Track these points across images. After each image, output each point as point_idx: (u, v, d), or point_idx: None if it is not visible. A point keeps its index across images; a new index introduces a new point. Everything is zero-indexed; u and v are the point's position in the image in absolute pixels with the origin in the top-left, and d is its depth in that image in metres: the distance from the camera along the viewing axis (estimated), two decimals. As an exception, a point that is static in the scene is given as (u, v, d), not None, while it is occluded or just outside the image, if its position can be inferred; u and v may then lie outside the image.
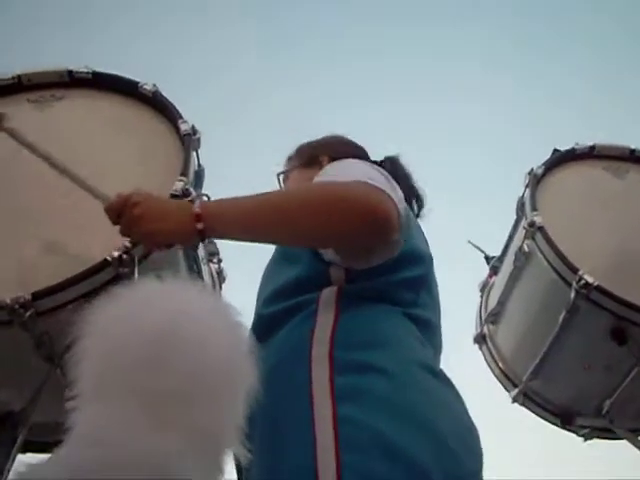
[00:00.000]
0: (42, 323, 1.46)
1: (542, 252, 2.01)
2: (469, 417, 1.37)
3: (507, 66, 3.98)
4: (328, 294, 1.42)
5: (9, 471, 1.60)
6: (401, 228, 1.37)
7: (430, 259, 1.55)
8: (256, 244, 1.38)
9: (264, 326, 1.46)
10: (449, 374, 1.42)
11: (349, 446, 1.19)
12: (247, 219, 1.33)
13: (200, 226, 1.29)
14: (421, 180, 1.74)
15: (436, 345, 1.53)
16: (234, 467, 1.20)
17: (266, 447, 1.24)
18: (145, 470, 0.69)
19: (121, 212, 1.33)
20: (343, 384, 1.26)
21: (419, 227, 1.61)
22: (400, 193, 1.44)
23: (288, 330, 1.40)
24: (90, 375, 0.80)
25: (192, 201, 1.49)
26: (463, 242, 2.60)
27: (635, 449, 2.11)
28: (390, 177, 1.45)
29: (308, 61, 4.03)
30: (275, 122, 3.75)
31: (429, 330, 1.49)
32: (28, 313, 1.42)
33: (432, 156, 3.90)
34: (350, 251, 1.41)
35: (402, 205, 1.40)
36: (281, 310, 1.45)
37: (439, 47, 4.00)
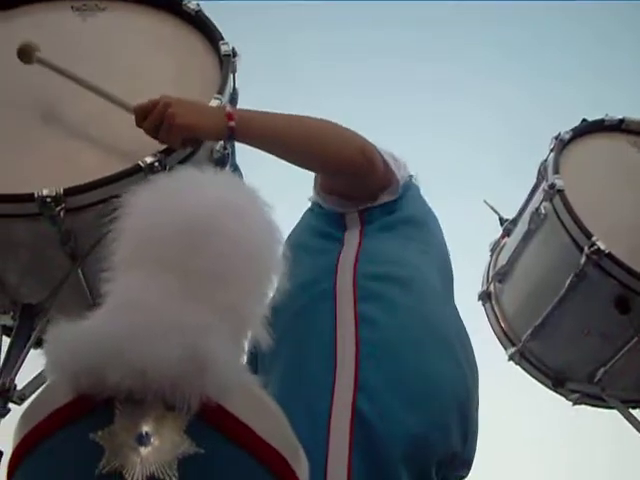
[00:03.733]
0: (70, 220, 1.50)
1: (558, 215, 2.04)
2: (470, 343, 1.46)
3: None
4: (352, 231, 1.53)
5: (22, 362, 1.67)
6: (391, 174, 1.53)
7: (434, 218, 1.67)
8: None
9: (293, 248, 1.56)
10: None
11: (368, 342, 1.28)
12: (274, 128, 1.45)
13: (232, 124, 1.38)
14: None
15: (445, 288, 1.60)
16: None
17: (290, 342, 1.32)
18: (175, 338, 0.74)
19: (152, 110, 1.40)
20: (365, 288, 1.36)
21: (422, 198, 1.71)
22: (401, 160, 1.60)
23: (317, 254, 1.48)
24: (127, 249, 0.84)
25: None
26: (479, 202, 2.63)
27: (624, 420, 2.17)
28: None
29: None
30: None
31: (440, 274, 1.56)
32: (58, 208, 1.46)
33: (455, 118, 3.91)
34: (348, 185, 1.54)
35: (404, 170, 1.58)
36: (307, 240, 1.54)
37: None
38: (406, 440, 1.22)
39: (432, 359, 1.33)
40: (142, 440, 0.73)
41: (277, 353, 1.36)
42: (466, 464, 1.41)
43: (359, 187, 1.54)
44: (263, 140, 1.46)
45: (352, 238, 1.51)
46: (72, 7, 1.95)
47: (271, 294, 0.90)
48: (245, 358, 0.90)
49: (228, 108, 1.44)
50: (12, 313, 1.72)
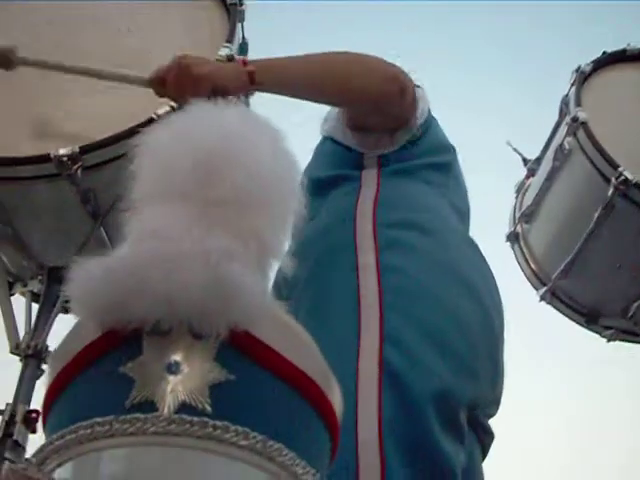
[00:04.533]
0: (88, 178, 1.50)
1: (582, 148, 1.99)
2: (496, 283, 1.43)
3: None
4: (369, 172, 1.49)
5: (52, 324, 1.68)
6: (416, 108, 1.50)
7: (454, 150, 1.61)
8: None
9: (309, 188, 1.53)
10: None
11: (392, 290, 1.26)
12: (296, 70, 1.40)
13: (251, 68, 1.33)
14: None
15: (465, 230, 1.58)
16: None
17: (312, 291, 1.31)
18: (199, 264, 0.73)
19: (167, 74, 1.34)
20: (385, 236, 1.33)
21: (441, 128, 1.66)
22: (423, 93, 1.55)
23: (335, 197, 1.46)
24: (146, 185, 0.83)
25: None
26: (502, 144, 2.59)
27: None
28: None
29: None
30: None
31: (459, 214, 1.54)
32: (75, 166, 1.46)
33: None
34: (372, 116, 1.49)
35: (424, 102, 1.53)
36: (324, 179, 1.52)
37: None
38: (436, 387, 1.21)
39: (457, 303, 1.31)
40: (172, 369, 0.72)
41: (300, 302, 1.35)
42: (495, 403, 1.40)
43: (380, 112, 1.50)
44: (286, 84, 1.40)
45: (370, 181, 1.48)
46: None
47: (295, 223, 0.88)
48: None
49: (242, 58, 1.42)
50: (40, 277, 1.74)
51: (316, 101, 1.45)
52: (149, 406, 0.70)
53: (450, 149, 1.63)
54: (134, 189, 0.85)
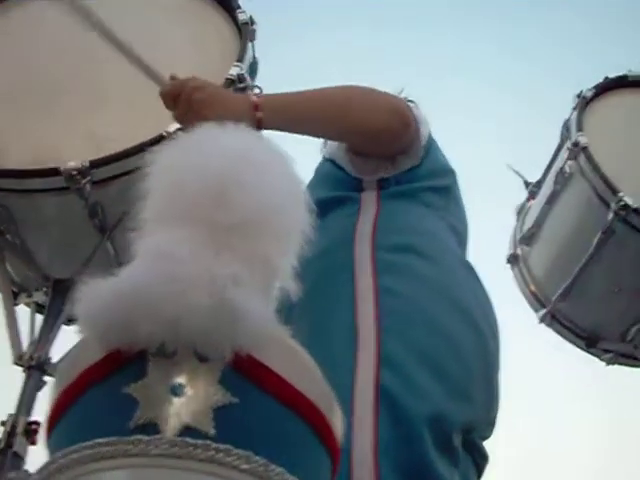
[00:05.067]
0: (97, 193, 1.52)
1: (583, 173, 2.02)
2: (492, 307, 1.45)
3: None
4: (369, 194, 1.50)
5: (55, 336, 1.70)
6: (418, 137, 1.50)
7: (455, 173, 1.63)
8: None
9: None
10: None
11: (388, 314, 1.27)
12: (302, 111, 1.41)
13: (259, 114, 1.33)
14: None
15: (463, 253, 1.60)
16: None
17: (310, 314, 1.32)
18: (205, 287, 0.74)
19: (179, 96, 1.34)
20: (383, 260, 1.34)
21: (441, 150, 1.68)
22: (422, 115, 1.56)
23: (334, 219, 1.47)
24: (154, 207, 0.85)
25: (246, 89, 1.56)
26: (503, 167, 2.61)
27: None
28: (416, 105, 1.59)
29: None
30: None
31: (457, 237, 1.55)
32: (84, 180, 1.48)
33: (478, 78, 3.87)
34: (375, 149, 1.50)
35: (425, 125, 1.54)
36: (323, 200, 1.53)
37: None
38: (431, 411, 1.22)
39: (452, 326, 1.31)
40: (176, 391, 0.73)
41: (298, 324, 1.36)
42: (490, 425, 1.41)
43: (383, 146, 1.50)
44: (294, 126, 1.41)
45: (369, 203, 1.49)
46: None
47: (301, 246, 0.90)
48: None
49: (254, 98, 1.38)
50: (45, 289, 1.75)
51: (319, 137, 1.47)
52: (152, 428, 0.72)
53: (450, 172, 1.64)
54: (144, 209, 0.87)
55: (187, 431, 0.72)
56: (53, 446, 0.80)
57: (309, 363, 0.82)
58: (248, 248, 0.80)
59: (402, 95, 1.76)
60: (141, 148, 1.49)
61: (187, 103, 1.33)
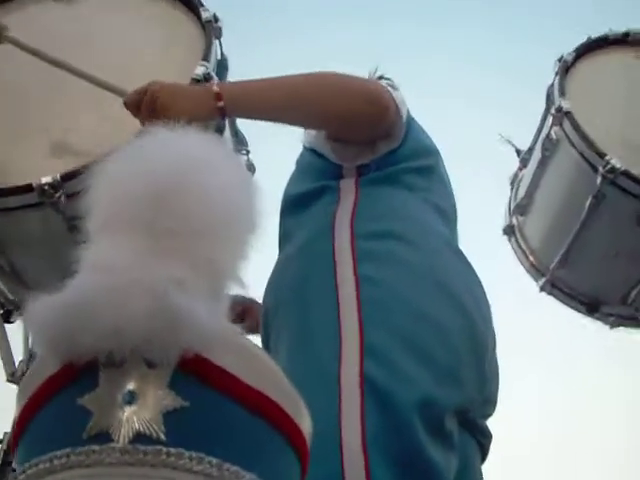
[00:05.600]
0: (73, 206, 1.52)
1: (569, 138, 1.99)
2: (482, 288, 1.42)
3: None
4: (347, 181, 1.49)
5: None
6: (399, 119, 1.48)
7: (437, 152, 1.61)
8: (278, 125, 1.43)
9: (289, 204, 1.54)
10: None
11: (370, 303, 1.27)
12: (266, 98, 1.40)
13: (221, 104, 1.34)
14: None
15: (452, 231, 1.58)
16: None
17: (293, 309, 1.32)
18: (144, 294, 0.74)
19: (140, 101, 1.36)
20: (363, 248, 1.34)
21: (422, 128, 1.65)
22: (400, 95, 1.53)
23: (313, 211, 1.47)
24: (98, 217, 0.85)
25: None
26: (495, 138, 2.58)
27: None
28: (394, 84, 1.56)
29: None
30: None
31: (444, 217, 1.54)
32: (58, 194, 1.48)
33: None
34: (355, 136, 1.49)
35: (404, 106, 1.51)
36: (303, 193, 1.52)
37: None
38: (419, 396, 1.21)
39: (436, 310, 1.30)
40: (127, 399, 0.73)
41: (284, 318, 1.36)
42: (489, 403, 1.40)
43: (363, 132, 1.50)
44: (259, 113, 1.42)
45: (348, 191, 1.47)
46: (56, -3, 1.96)
47: (251, 246, 0.89)
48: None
49: (215, 87, 1.37)
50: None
51: (291, 125, 1.46)
52: (105, 437, 0.72)
53: (432, 151, 1.62)
54: (89, 220, 0.87)
55: (139, 438, 0.71)
56: (19, 462, 0.81)
57: (264, 360, 0.82)
58: (192, 251, 0.80)
59: (377, 73, 1.75)
60: (111, 156, 1.49)
61: (149, 108, 1.34)
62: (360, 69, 1.56)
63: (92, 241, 0.83)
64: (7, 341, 1.69)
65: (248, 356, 0.81)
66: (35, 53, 1.57)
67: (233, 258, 0.86)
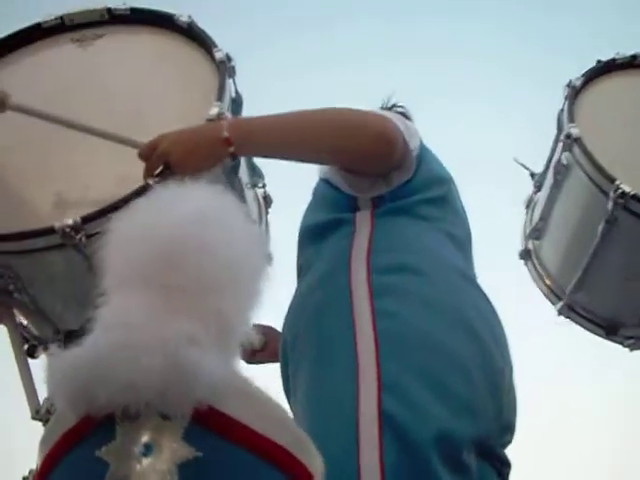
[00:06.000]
0: (92, 246, 1.56)
1: (579, 164, 2.00)
2: (496, 316, 1.44)
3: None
4: (363, 214, 1.52)
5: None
6: (409, 152, 1.51)
7: (450, 180, 1.63)
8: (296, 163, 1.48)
9: (307, 234, 1.57)
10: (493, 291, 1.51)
11: (387, 337, 1.29)
12: (275, 137, 1.44)
13: (231, 149, 1.38)
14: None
15: (466, 259, 1.60)
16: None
17: (311, 342, 1.34)
18: (157, 350, 0.78)
19: (149, 158, 1.42)
20: (380, 282, 1.36)
21: (436, 157, 1.69)
22: (412, 126, 1.58)
23: (330, 243, 1.50)
24: (114, 276, 0.89)
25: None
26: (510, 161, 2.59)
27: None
28: (402, 116, 1.61)
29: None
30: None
31: (458, 245, 1.56)
32: (79, 236, 1.52)
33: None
34: (365, 170, 1.52)
35: (415, 137, 1.55)
36: (320, 225, 1.56)
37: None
38: (436, 430, 1.22)
39: (452, 342, 1.32)
40: (143, 451, 0.77)
41: (302, 351, 1.39)
42: (507, 432, 1.41)
43: (371, 168, 1.53)
44: (268, 152, 1.46)
45: (363, 224, 1.50)
46: (71, 39, 2.02)
47: (260, 298, 0.92)
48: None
49: (225, 133, 1.39)
50: (58, 341, 1.80)
51: (304, 162, 1.49)
52: (122, 489, 0.75)
53: (445, 180, 1.64)
54: (104, 277, 0.91)
55: (154, 489, 0.75)
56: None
57: (274, 408, 0.85)
58: (201, 306, 0.83)
59: (392, 101, 1.78)
60: (129, 198, 1.52)
61: (159, 165, 1.40)
62: (373, 69, 1.57)
63: (107, 299, 0.87)
64: (31, 378, 1.72)
65: (258, 405, 0.84)
66: (41, 116, 1.59)
67: (242, 308, 0.89)
